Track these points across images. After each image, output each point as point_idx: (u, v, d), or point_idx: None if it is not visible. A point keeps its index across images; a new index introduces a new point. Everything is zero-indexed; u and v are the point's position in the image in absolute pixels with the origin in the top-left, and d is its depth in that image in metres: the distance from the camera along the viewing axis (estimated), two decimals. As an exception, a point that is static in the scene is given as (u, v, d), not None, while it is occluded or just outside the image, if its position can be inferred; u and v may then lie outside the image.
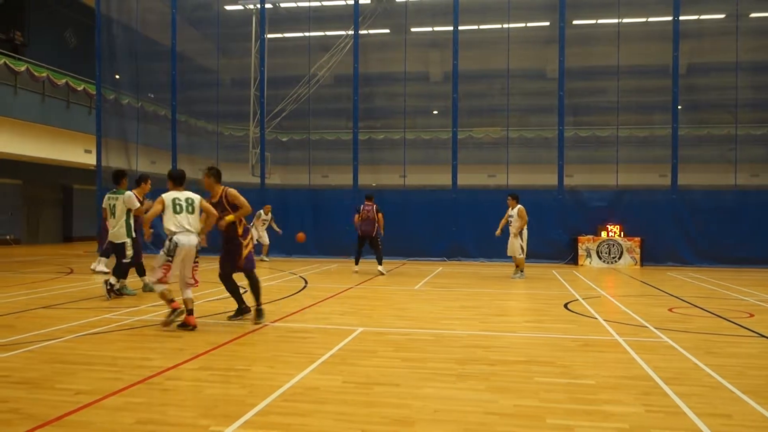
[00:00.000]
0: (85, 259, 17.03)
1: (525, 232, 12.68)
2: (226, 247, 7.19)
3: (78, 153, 23.30)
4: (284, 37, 21.49)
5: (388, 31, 20.48)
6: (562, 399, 4.26)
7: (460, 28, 17.92)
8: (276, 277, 12.59)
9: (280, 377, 4.71)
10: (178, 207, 6.70)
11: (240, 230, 7.12)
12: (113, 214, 9.39)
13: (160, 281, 6.63)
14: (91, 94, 22.25)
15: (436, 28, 20.70)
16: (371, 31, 19.73)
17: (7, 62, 20.02)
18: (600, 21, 19.26)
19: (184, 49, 20.06)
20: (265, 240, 16.82)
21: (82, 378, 4.68)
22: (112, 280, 9.06)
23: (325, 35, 20.68)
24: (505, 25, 18.85)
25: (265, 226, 16.79)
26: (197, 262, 6.90)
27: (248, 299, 7.25)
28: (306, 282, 11.64)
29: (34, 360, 5.23)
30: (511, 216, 12.74)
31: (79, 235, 27.36)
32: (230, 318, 7.26)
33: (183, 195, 6.83)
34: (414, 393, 4.36)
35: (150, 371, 4.86)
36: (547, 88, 18.57)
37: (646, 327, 7.06)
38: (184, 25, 20.10)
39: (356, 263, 13.81)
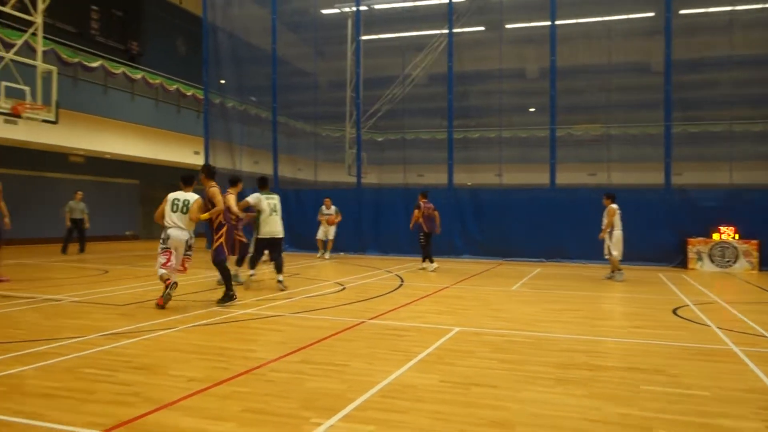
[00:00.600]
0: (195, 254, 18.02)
1: (616, 233, 12.06)
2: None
3: (188, 154, 24.77)
4: (379, 38, 21.70)
5: (482, 28, 20.19)
6: (672, 410, 4.04)
7: (557, 22, 17.38)
8: (372, 275, 12.79)
9: (377, 374, 4.79)
10: (174, 206, 7.84)
11: (214, 224, 8.18)
12: (275, 212, 9.82)
13: (164, 266, 7.74)
14: (199, 98, 23.59)
15: (532, 24, 20.15)
16: (465, 29, 19.53)
17: (126, 71, 21.65)
18: (710, 9, 18.02)
19: (283, 53, 20.76)
20: (329, 235, 16.70)
21: (194, 366, 4.98)
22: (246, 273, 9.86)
23: (419, 35, 20.70)
24: (606, 18, 18.06)
25: (332, 221, 16.59)
26: (190, 255, 8.02)
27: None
28: (402, 280, 11.73)
29: (152, 347, 5.62)
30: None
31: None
32: (218, 303, 8.06)
33: (183, 196, 7.89)
34: (512, 396, 4.29)
35: (255, 362, 5.09)
36: (652, 82, 17.56)
37: (765, 336, 6.55)
38: (283, 30, 20.82)
39: (432, 261, 13.78)
